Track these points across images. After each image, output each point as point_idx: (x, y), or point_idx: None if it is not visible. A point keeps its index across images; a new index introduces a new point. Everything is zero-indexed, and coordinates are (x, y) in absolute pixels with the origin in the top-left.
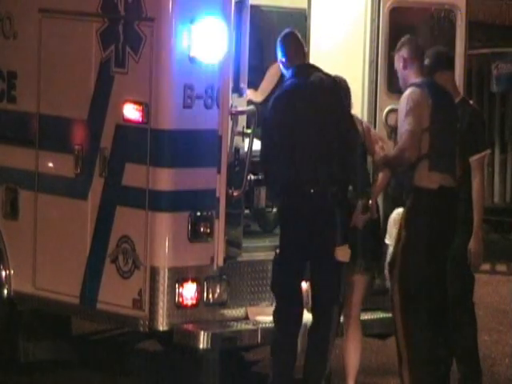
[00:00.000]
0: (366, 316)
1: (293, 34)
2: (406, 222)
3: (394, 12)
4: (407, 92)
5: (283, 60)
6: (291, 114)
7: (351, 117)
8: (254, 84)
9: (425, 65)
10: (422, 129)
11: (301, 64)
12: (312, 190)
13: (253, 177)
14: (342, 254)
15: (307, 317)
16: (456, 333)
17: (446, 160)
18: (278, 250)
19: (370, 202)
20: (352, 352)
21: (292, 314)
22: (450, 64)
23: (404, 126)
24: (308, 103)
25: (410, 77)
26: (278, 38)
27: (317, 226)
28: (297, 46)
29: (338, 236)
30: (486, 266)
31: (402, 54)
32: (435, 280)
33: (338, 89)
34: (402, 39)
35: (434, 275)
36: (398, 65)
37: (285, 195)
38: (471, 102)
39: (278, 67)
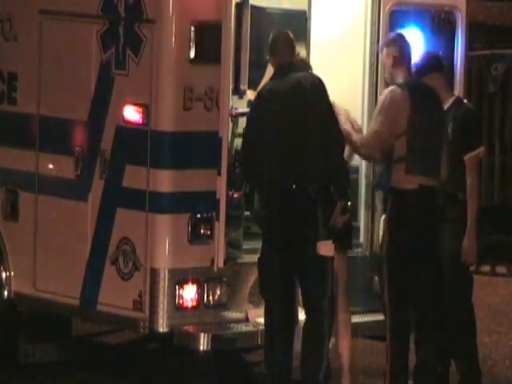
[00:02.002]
0: (366, 318)
1: (283, 33)
2: (388, 226)
3: (394, 14)
4: (388, 90)
5: (271, 59)
6: (269, 113)
7: (334, 117)
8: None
9: (415, 66)
10: (398, 133)
11: (282, 63)
12: (294, 186)
13: None
14: (325, 248)
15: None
16: (455, 333)
17: (426, 162)
18: (260, 251)
19: (349, 203)
20: (341, 338)
21: (282, 316)
22: (439, 65)
23: (373, 123)
24: (286, 103)
25: (398, 75)
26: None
27: (299, 221)
28: (285, 45)
29: (321, 231)
30: (486, 268)
31: (391, 52)
32: (426, 281)
33: (319, 88)
34: (392, 35)
35: (423, 276)
36: (387, 61)
37: (267, 192)
38: (465, 101)
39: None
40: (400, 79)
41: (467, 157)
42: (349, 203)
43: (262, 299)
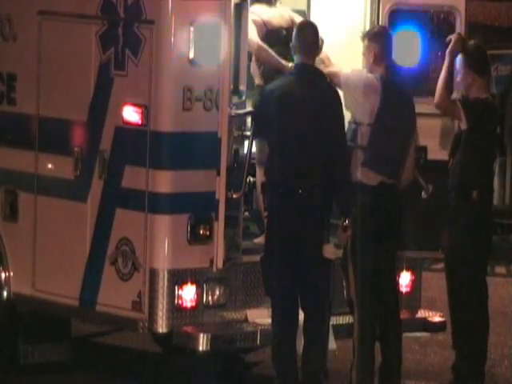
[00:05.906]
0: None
1: (313, 26)
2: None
3: (394, 14)
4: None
5: (294, 48)
6: (294, 114)
7: (345, 133)
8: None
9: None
10: (366, 123)
11: (308, 64)
12: (300, 191)
13: (252, 179)
14: (329, 251)
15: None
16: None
17: (385, 162)
18: (263, 253)
19: (347, 221)
20: None
21: (288, 315)
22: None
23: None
24: (315, 110)
25: (377, 72)
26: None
27: (305, 225)
28: (312, 43)
29: (326, 234)
30: None
31: (373, 48)
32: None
33: (339, 102)
34: (376, 28)
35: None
36: (368, 56)
37: (273, 194)
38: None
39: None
40: (378, 75)
41: None
42: (347, 221)
43: (261, 300)
